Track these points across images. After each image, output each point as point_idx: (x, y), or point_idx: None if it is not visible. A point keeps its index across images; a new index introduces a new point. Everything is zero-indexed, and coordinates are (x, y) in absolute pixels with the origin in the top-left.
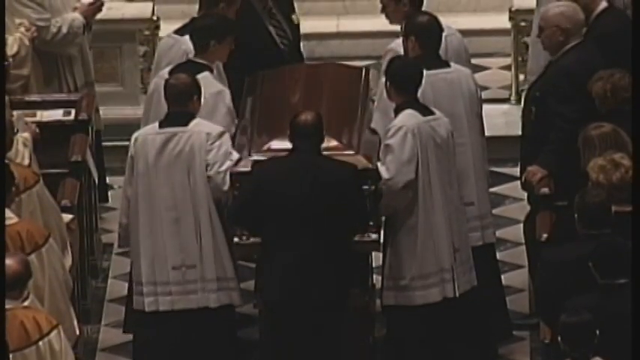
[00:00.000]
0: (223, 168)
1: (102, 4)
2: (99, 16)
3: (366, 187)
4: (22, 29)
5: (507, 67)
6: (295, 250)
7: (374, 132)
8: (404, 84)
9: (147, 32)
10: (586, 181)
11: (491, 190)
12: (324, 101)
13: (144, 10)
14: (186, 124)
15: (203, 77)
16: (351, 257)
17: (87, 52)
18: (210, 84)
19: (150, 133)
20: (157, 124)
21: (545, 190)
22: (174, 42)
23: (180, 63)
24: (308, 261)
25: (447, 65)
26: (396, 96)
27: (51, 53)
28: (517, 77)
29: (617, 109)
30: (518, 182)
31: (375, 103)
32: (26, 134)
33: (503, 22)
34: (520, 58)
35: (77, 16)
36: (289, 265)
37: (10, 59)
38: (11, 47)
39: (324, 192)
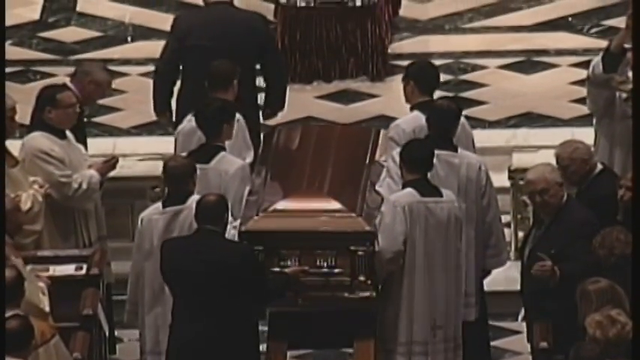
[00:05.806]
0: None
1: (116, 162)
2: (111, 173)
3: (364, 247)
4: (36, 186)
5: (507, 225)
6: (194, 327)
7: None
8: (413, 164)
9: (157, 189)
10: (584, 335)
11: (492, 343)
12: (330, 161)
13: (154, 168)
14: (184, 201)
15: (222, 157)
16: (251, 334)
17: (100, 207)
18: (231, 162)
19: (154, 213)
20: (160, 203)
21: (544, 344)
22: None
23: (193, 149)
24: (205, 338)
25: (454, 149)
26: (406, 174)
27: (68, 208)
28: (516, 234)
29: (616, 265)
30: (518, 336)
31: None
32: (42, 284)
33: (502, 180)
34: (519, 216)
35: (94, 173)
36: (188, 341)
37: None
38: (25, 203)
39: (217, 272)
